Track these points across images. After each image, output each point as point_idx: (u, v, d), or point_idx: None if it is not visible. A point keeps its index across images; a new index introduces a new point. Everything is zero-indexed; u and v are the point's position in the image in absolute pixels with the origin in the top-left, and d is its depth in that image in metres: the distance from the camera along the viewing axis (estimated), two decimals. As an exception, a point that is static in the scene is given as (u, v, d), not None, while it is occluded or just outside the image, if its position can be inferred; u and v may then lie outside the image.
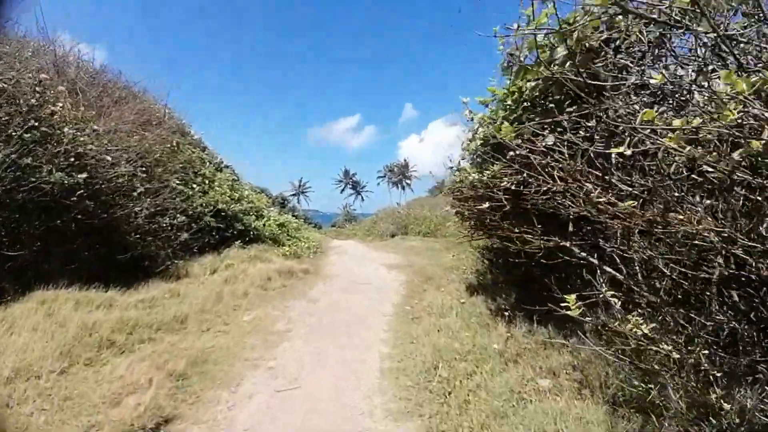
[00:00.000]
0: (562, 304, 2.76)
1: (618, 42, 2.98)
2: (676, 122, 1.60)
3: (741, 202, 2.24)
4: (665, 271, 2.69)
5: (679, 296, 2.74)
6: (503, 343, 3.87)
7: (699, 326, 2.42)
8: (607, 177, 2.77)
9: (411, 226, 23.30)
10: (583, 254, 3.35)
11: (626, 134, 2.21)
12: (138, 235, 7.46)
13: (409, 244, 16.90)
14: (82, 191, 6.05)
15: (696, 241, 2.31)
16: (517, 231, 3.75)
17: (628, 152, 1.91)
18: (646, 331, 2.41)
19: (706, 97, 1.88)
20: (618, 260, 3.15)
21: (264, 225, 12.00)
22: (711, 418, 2.24)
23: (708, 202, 2.33)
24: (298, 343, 4.77)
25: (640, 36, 2.70)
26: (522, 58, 3.44)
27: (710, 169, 1.76)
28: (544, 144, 3.04)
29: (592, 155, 2.76)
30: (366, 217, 37.89)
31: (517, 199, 3.86)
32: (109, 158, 6.66)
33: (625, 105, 2.71)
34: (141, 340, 4.68)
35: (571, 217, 3.42)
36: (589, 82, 2.51)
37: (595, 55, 2.89)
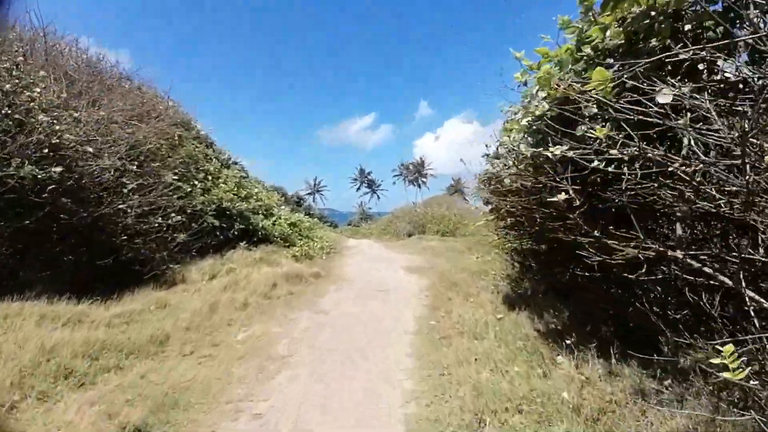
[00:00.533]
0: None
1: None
2: None
3: None
4: None
5: None
6: (576, 390, 2.75)
7: None
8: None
9: (428, 225, 22.12)
10: (710, 271, 2.19)
11: None
12: (127, 237, 6.58)
13: (428, 244, 15.76)
14: (55, 186, 5.19)
15: None
16: (594, 235, 2.62)
17: None
18: None
19: None
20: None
21: (273, 224, 11.06)
22: None
23: None
24: (299, 373, 3.74)
25: None
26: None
27: None
28: (659, 101, 1.91)
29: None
30: (382, 216, 36.85)
31: (597, 189, 2.76)
32: (90, 149, 5.78)
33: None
34: (106, 368, 3.73)
35: (688, 214, 2.30)
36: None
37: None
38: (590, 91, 2.08)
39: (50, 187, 5.13)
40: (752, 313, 1.91)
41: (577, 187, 2.80)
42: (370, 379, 3.60)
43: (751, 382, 1.64)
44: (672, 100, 1.94)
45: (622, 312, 4.42)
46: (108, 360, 3.82)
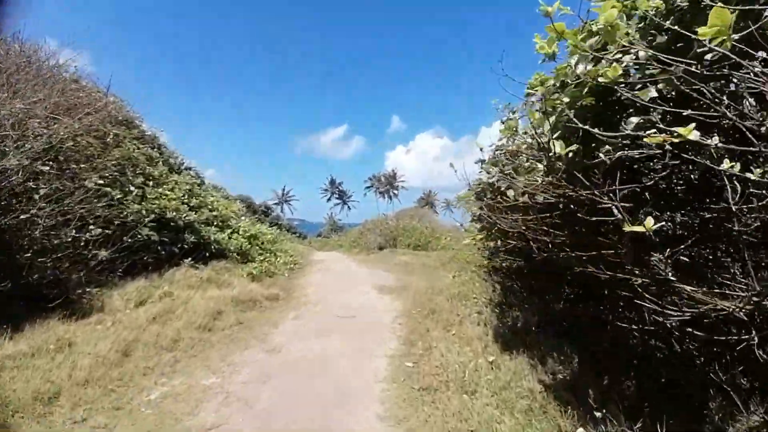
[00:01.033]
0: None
1: None
2: None
3: None
4: None
5: None
6: None
7: None
8: None
9: (400, 238, 21.19)
10: None
11: None
12: (32, 254, 5.22)
13: (400, 259, 14.77)
14: None
15: None
16: (665, 276, 1.70)
17: None
18: None
19: None
20: None
21: (229, 238, 9.73)
22: None
23: None
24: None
25: None
26: None
27: None
28: None
29: None
30: (353, 227, 35.63)
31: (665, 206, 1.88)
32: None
33: None
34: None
35: None
36: None
37: None
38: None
39: None
40: None
41: (627, 205, 1.89)
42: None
43: None
44: None
45: (644, 359, 3.60)
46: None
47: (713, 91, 1.50)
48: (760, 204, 1.46)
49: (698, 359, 2.98)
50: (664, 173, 2.08)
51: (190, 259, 7.44)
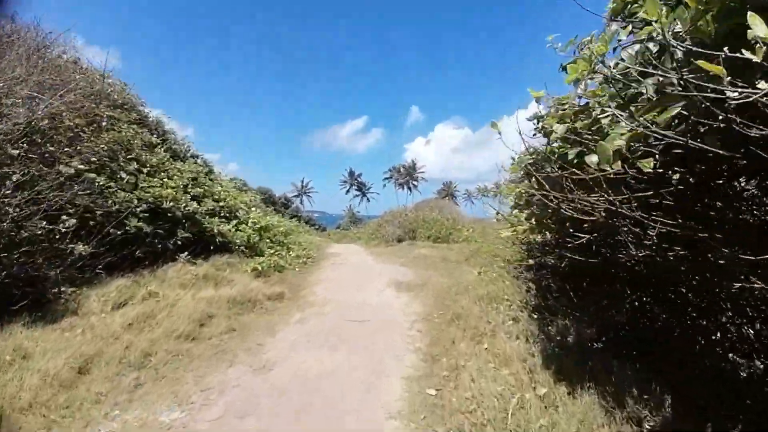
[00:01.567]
0: None
1: None
2: None
3: None
4: None
5: None
6: None
7: None
8: None
9: (419, 230, 20.14)
10: None
11: None
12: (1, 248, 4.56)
13: (420, 252, 13.76)
14: None
15: None
16: None
17: None
18: None
19: None
20: None
21: (235, 229, 8.96)
22: None
23: None
24: None
25: None
26: None
27: None
28: None
29: None
30: (372, 219, 34.79)
31: None
32: None
33: None
34: None
35: None
36: None
37: None
38: None
39: None
40: None
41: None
42: None
43: None
44: None
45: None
46: None
47: None
48: None
49: None
50: None
51: (186, 253, 6.66)
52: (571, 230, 2.33)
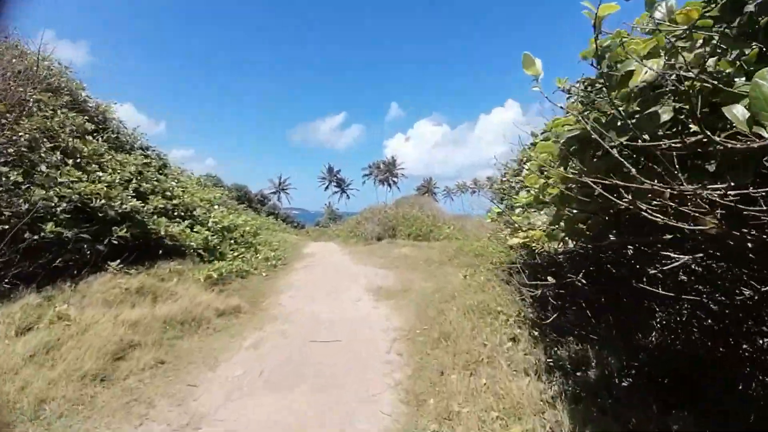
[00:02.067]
0: None
1: None
2: None
3: None
4: None
5: None
6: None
7: None
8: None
9: (400, 227, 19.28)
10: None
11: None
12: None
13: (401, 252, 12.86)
14: None
15: None
16: None
17: None
18: None
19: None
20: None
21: (189, 230, 7.77)
22: None
23: None
24: None
25: None
26: None
27: None
28: None
29: None
30: (351, 216, 33.75)
31: None
32: None
33: None
34: None
35: None
36: None
37: None
38: None
39: None
40: None
41: None
42: None
43: None
44: None
45: None
46: None
47: None
48: None
49: None
50: None
51: (118, 261, 5.47)
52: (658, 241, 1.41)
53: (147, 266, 6.22)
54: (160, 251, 6.92)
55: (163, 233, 6.85)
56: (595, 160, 1.45)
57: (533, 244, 2.54)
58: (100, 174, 6.25)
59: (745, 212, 1.10)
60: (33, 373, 3.18)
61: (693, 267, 2.64)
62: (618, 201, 1.30)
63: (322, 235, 26.76)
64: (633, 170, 1.14)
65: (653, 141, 1.20)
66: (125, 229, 5.98)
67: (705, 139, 1.03)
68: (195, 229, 7.97)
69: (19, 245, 4.54)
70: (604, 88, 1.40)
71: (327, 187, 64.04)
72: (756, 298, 2.11)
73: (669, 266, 1.79)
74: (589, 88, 1.72)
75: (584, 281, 2.35)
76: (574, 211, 1.81)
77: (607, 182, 1.30)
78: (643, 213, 1.26)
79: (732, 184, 1.10)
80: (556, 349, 3.90)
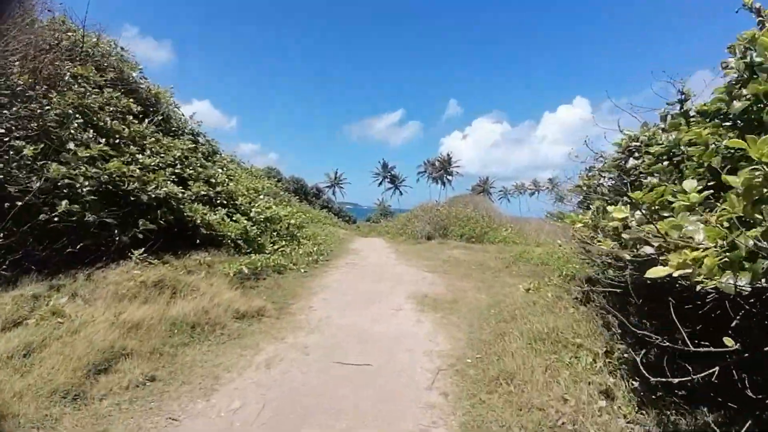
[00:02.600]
0: None
1: None
2: None
3: None
4: None
5: None
6: None
7: None
8: None
9: (452, 227, 17.99)
10: None
11: None
12: None
13: (452, 254, 11.67)
14: None
15: None
16: None
17: None
18: None
19: None
20: None
21: (228, 219, 7.31)
22: None
23: None
24: None
25: None
26: None
27: None
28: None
29: None
30: (403, 213, 32.92)
31: None
32: None
33: None
34: None
35: None
36: None
37: None
38: None
39: None
40: None
41: None
42: None
43: None
44: None
45: None
46: None
47: None
48: None
49: None
50: None
51: (142, 250, 5.00)
52: None
53: (179, 255, 5.78)
54: (198, 240, 6.51)
55: (199, 221, 6.41)
56: None
57: (696, 275, 1.38)
58: (139, 156, 5.90)
59: None
60: (5, 379, 2.65)
61: None
62: None
63: (371, 231, 26.18)
64: None
65: None
66: (160, 216, 5.57)
67: None
68: (234, 218, 7.50)
69: (31, 226, 4.18)
70: None
71: (381, 183, 63.74)
72: None
73: None
74: None
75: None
76: None
77: None
78: None
79: None
80: (677, 418, 2.65)
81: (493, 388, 3.19)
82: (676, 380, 2.35)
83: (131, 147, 5.96)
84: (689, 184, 1.71)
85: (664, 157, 3.18)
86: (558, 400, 2.85)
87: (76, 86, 5.79)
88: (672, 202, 1.88)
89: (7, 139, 4.25)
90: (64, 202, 4.32)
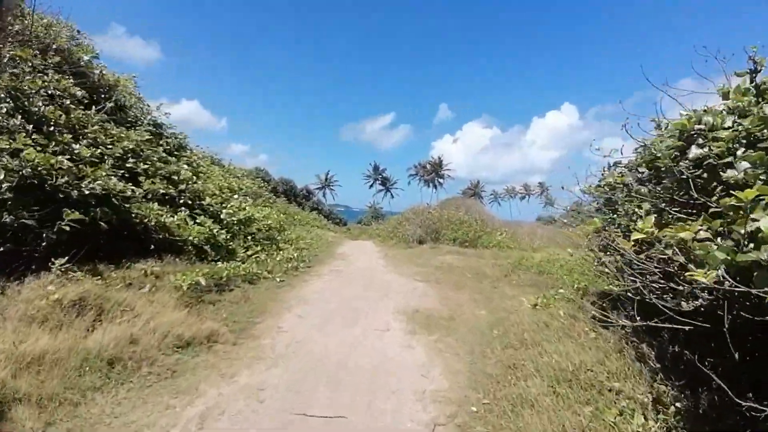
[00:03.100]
0: None
1: None
2: None
3: None
4: None
5: None
6: None
7: None
8: None
9: (444, 231, 17.14)
10: None
11: None
12: None
13: (445, 260, 10.76)
14: None
15: None
16: None
17: None
18: None
19: None
20: None
21: (191, 221, 6.29)
22: None
23: None
24: None
25: None
26: None
27: None
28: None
29: None
30: (394, 216, 32.03)
31: None
32: None
33: None
34: None
35: None
36: None
37: None
38: None
39: None
40: None
41: None
42: None
43: None
44: None
45: None
46: None
47: None
48: None
49: None
50: None
51: (66, 259, 3.97)
52: None
53: (121, 265, 4.76)
54: (151, 246, 5.50)
55: (153, 223, 5.39)
56: None
57: None
58: (75, 146, 4.89)
59: None
60: None
61: None
62: None
63: (362, 234, 25.26)
64: None
65: None
66: (99, 215, 4.56)
67: None
68: (198, 221, 6.49)
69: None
70: None
71: (372, 185, 62.77)
72: None
73: None
74: None
75: None
76: None
77: None
78: None
79: None
80: None
81: (511, 459, 2.27)
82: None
83: (65, 135, 4.93)
84: None
85: (744, 142, 2.33)
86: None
87: (16, 70, 4.77)
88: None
89: None
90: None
